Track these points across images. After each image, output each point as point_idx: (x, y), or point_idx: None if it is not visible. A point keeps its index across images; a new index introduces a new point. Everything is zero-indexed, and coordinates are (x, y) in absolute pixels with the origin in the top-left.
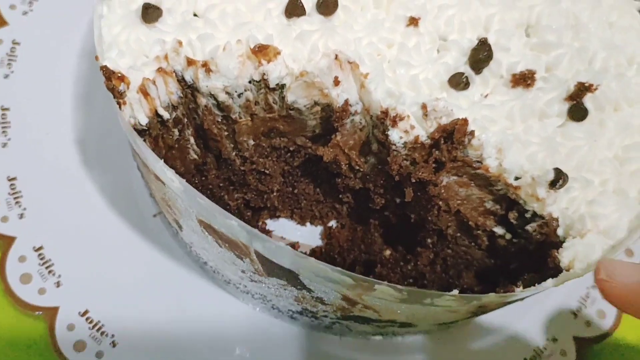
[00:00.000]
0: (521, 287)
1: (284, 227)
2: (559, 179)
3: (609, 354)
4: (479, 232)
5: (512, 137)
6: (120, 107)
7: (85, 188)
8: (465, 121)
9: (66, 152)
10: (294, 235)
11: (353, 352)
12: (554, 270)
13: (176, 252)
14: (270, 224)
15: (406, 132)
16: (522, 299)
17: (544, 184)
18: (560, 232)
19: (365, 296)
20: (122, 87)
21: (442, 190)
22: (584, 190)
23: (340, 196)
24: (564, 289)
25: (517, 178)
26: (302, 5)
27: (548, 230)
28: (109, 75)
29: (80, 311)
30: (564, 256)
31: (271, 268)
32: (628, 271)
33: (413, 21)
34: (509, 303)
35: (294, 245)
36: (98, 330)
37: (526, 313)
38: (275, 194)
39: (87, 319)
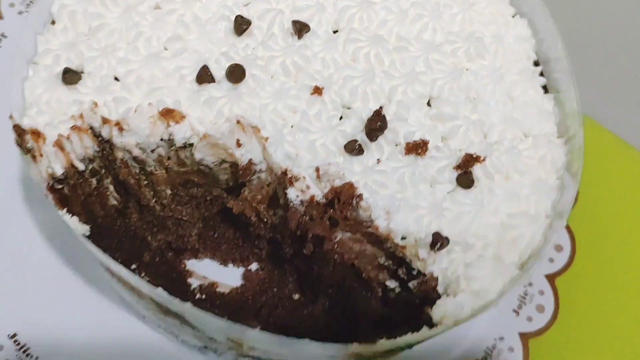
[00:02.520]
0: (383, 340)
1: (206, 267)
2: (437, 242)
3: (553, 345)
4: (373, 284)
5: (401, 201)
6: (35, 161)
7: (24, 222)
8: (351, 185)
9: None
10: (217, 274)
11: None
12: (429, 325)
13: (104, 284)
14: (194, 263)
15: (302, 191)
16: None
17: (425, 245)
18: (440, 289)
19: (245, 341)
20: (30, 144)
21: (337, 246)
22: (464, 253)
23: (256, 242)
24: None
25: (403, 238)
26: (211, 74)
27: (426, 288)
28: (20, 133)
29: (9, 334)
30: (436, 313)
31: (165, 309)
32: None
33: (317, 90)
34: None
35: (212, 285)
36: (25, 352)
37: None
38: (194, 237)
39: (15, 341)
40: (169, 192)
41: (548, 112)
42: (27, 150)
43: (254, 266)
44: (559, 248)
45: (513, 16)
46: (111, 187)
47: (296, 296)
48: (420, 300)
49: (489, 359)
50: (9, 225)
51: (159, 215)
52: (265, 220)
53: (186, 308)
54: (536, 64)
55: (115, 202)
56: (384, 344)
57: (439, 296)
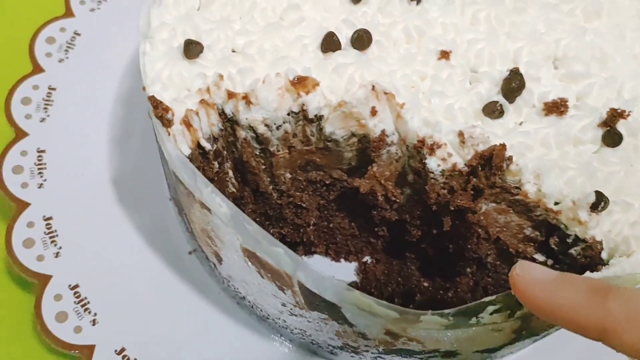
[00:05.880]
0: None
1: (317, 264)
2: (600, 201)
3: None
4: (519, 259)
5: (550, 163)
6: (169, 135)
7: (121, 227)
8: (503, 146)
9: (101, 191)
10: (328, 271)
11: None
12: None
13: (212, 288)
14: (305, 260)
15: (444, 159)
16: None
17: (585, 207)
18: (604, 255)
19: (410, 329)
20: (169, 115)
21: (482, 218)
22: (625, 213)
23: (376, 229)
24: None
25: (556, 203)
26: (338, 40)
27: (592, 254)
28: (156, 104)
29: (116, 349)
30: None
31: (313, 301)
32: (543, 271)
33: (444, 54)
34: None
35: None
36: None
37: None
38: (311, 227)
39: (123, 356)
40: (288, 176)
41: None
42: (167, 122)
43: (367, 259)
44: None
45: None
46: (230, 172)
47: (425, 284)
48: (579, 271)
49: None
50: (105, 228)
51: (275, 204)
52: (393, 199)
53: (354, 296)
54: None
55: (233, 189)
56: None
57: (602, 262)
